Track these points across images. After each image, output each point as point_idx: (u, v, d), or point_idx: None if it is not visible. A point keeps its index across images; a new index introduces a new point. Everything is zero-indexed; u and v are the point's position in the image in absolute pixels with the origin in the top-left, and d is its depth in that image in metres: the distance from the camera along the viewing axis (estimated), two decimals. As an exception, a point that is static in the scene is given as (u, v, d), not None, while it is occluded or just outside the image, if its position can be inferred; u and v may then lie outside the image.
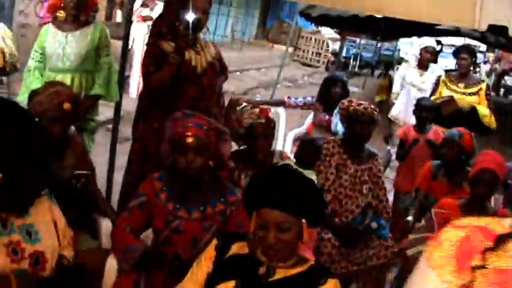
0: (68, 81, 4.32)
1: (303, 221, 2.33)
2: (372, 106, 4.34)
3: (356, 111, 4.27)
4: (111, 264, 3.16)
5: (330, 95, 6.00)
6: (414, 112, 5.87)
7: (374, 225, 4.34)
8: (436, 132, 5.77)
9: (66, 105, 3.28)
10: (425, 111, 5.74)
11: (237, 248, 2.48)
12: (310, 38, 21.44)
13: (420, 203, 4.65)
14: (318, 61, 21.21)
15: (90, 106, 4.61)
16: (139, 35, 9.42)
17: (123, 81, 5.16)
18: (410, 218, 4.47)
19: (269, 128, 3.90)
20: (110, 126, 5.89)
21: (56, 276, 2.53)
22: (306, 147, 4.60)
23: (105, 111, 5.06)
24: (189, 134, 2.98)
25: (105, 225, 3.52)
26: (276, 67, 11.80)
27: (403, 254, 3.89)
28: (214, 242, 2.54)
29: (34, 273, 2.52)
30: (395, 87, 7.60)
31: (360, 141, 4.42)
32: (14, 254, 2.48)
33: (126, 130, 5.47)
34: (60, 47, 4.51)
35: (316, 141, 4.80)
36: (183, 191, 3.12)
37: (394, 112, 7.31)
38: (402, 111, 7.15)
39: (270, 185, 2.37)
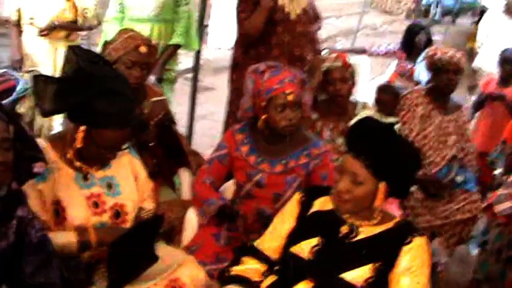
0: (147, 31, 4.27)
1: (382, 183, 2.22)
2: (459, 54, 4.15)
3: (442, 59, 4.10)
4: (191, 216, 3.17)
5: (413, 43, 5.87)
6: (498, 64, 5.52)
7: (459, 178, 4.23)
8: None
9: (143, 49, 3.22)
10: (509, 64, 5.37)
11: (321, 203, 2.42)
12: (390, -15, 20.81)
13: (509, 156, 4.44)
14: (398, 9, 20.58)
15: (170, 55, 4.56)
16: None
17: (202, 31, 5.14)
18: (498, 171, 4.28)
19: (347, 71, 3.71)
20: (189, 75, 5.91)
21: (135, 228, 2.53)
22: (386, 92, 4.48)
23: (184, 61, 5.05)
24: (289, 91, 2.88)
25: (186, 177, 3.50)
26: (356, 15, 11.49)
27: (490, 210, 3.73)
28: (298, 196, 2.48)
29: (115, 226, 2.55)
30: (480, 36, 7.25)
31: (446, 91, 4.25)
32: (95, 206, 2.52)
33: (205, 79, 5.46)
34: None
35: (394, 87, 4.74)
36: (266, 143, 3.06)
37: (477, 62, 6.97)
38: (487, 61, 6.79)
39: (363, 134, 2.28)
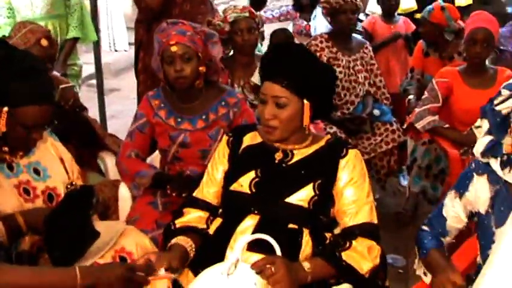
0: (41, 30, 4.17)
1: (305, 101, 2.22)
2: None
3: (338, 1, 4.18)
4: (123, 192, 3.10)
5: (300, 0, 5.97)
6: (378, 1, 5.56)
7: (376, 112, 4.36)
8: (406, 21, 5.45)
9: (44, 42, 3.18)
10: None
11: (249, 139, 2.41)
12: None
13: (418, 81, 4.59)
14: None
15: (70, 50, 4.48)
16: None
17: (97, 23, 5.08)
18: (411, 96, 4.40)
19: (253, 21, 3.82)
20: (92, 81, 5.98)
21: (64, 201, 2.45)
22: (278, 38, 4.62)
23: (84, 68, 5.04)
24: (173, 42, 2.86)
25: (110, 159, 3.44)
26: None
27: (412, 130, 3.85)
28: (225, 137, 2.47)
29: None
30: None
31: (347, 31, 4.35)
32: (26, 193, 2.44)
33: (107, 82, 5.46)
34: None
35: (286, 30, 5.02)
36: (181, 103, 3.03)
37: (369, 8, 7.07)
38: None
39: (272, 58, 2.28)
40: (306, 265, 2.08)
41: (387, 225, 3.54)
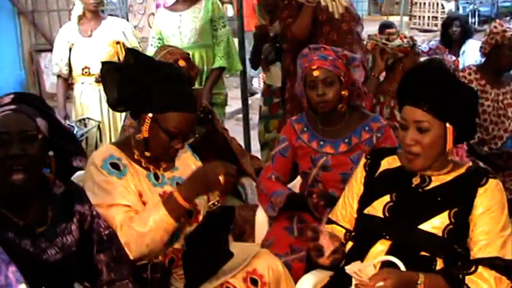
0: (188, 59, 4.35)
1: (448, 125, 2.14)
2: None
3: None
4: (260, 216, 3.14)
5: (448, 35, 5.88)
6: None
7: (527, 147, 4.11)
8: None
9: (182, 62, 3.26)
10: None
11: (388, 163, 2.36)
12: (424, 3, 20.75)
13: None
14: (436, 25, 20.45)
15: (216, 79, 4.60)
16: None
17: (244, 54, 5.23)
18: None
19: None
20: (240, 115, 6.03)
21: (207, 219, 2.51)
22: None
23: (232, 103, 5.16)
24: (315, 67, 2.90)
25: (249, 184, 3.49)
26: (396, 39, 11.45)
27: None
28: (363, 161, 2.44)
29: (188, 225, 2.51)
30: None
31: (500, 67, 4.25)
32: None
33: (255, 117, 5.55)
34: (175, 26, 4.53)
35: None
36: (324, 127, 3.05)
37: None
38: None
39: (413, 81, 2.22)
40: (421, 280, 2.01)
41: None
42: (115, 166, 2.40)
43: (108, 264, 2.15)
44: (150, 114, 2.34)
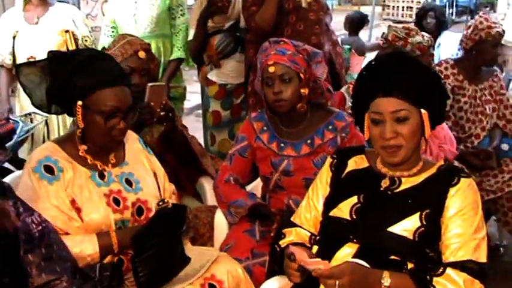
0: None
1: (423, 111, 2.05)
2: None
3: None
4: (219, 218, 2.98)
5: (423, 28, 5.73)
6: None
7: (505, 146, 4.01)
8: None
9: (142, 54, 3.10)
10: None
11: (355, 163, 2.26)
12: (398, -8, 20.66)
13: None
14: (411, 15, 20.32)
15: (174, 72, 4.38)
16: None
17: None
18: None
19: None
20: (200, 111, 5.78)
21: (155, 218, 2.33)
22: None
23: (191, 98, 4.87)
24: (271, 62, 2.71)
25: (208, 184, 3.27)
26: (366, 30, 11.29)
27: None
28: (329, 160, 2.31)
29: (136, 224, 2.41)
30: (500, 6, 6.99)
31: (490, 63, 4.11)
32: (116, 203, 2.38)
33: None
34: (130, 14, 4.29)
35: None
36: (285, 127, 2.87)
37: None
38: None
39: (381, 71, 2.11)
40: (386, 280, 1.93)
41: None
42: (49, 169, 2.31)
43: (39, 265, 1.99)
44: (80, 102, 2.27)
